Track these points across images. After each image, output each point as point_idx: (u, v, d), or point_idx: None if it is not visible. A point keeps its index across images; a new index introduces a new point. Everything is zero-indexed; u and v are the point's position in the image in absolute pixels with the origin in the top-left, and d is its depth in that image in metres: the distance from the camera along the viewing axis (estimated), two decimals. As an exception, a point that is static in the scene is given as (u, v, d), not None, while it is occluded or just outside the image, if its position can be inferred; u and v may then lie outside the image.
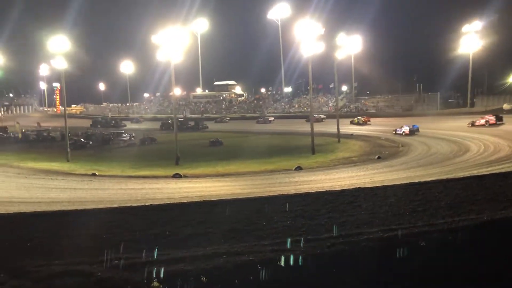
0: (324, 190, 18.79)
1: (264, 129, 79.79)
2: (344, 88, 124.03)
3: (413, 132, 60.82)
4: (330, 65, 74.99)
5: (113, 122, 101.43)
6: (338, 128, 60.81)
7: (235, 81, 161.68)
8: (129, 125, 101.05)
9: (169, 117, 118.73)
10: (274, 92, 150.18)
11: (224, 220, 11.27)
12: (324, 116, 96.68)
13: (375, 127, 71.67)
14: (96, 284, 7.44)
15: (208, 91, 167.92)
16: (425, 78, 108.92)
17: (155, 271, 7.79)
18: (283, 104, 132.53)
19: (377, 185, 16.99)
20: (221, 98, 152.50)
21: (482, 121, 61.29)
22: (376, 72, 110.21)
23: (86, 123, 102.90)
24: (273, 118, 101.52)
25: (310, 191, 18.96)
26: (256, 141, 60.76)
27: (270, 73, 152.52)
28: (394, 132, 64.20)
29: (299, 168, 33.74)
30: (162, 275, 7.59)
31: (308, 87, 64.06)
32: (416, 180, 19.02)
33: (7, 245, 10.03)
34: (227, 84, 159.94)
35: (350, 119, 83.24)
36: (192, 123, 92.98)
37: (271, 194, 20.29)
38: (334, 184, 25.76)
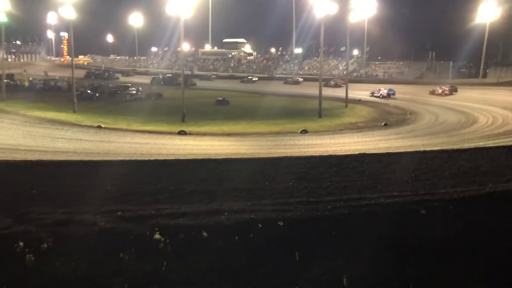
0: (329, 154, 18.85)
1: (271, 90, 79.10)
2: (356, 52, 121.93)
3: (389, 95, 70.34)
4: (342, 28, 73.44)
5: (106, 74, 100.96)
6: (346, 93, 60.31)
7: (245, 40, 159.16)
8: (121, 78, 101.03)
9: (160, 72, 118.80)
10: (284, 52, 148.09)
11: (227, 178, 11.38)
12: (302, 79, 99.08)
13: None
14: (99, 233, 7.63)
15: (217, 48, 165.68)
16: (438, 46, 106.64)
17: (157, 224, 7.96)
18: (292, 65, 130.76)
19: (382, 152, 16.98)
20: (230, 56, 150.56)
21: (440, 91, 73.33)
22: (389, 38, 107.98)
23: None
24: (257, 78, 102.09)
25: (314, 155, 19.03)
26: (263, 102, 60.45)
27: (281, 33, 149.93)
28: (371, 95, 72.02)
29: (304, 131, 33.70)
30: (164, 228, 7.76)
31: (319, 50, 63.00)
32: (421, 149, 19.00)
33: (12, 191, 10.23)
34: (237, 42, 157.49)
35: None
36: (180, 79, 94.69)
37: (275, 155, 20.38)
38: (338, 148, 25.78)
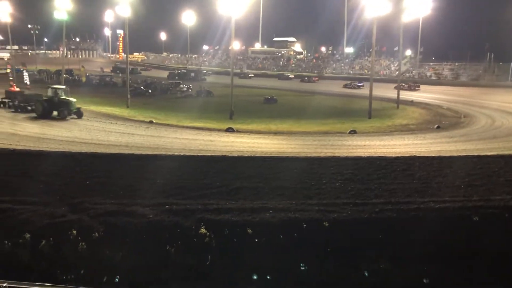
0: (377, 155, 18.45)
1: (320, 90, 78.36)
2: (409, 52, 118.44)
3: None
4: (395, 27, 71.50)
5: (192, 74, 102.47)
6: (398, 94, 58.80)
7: (295, 38, 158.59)
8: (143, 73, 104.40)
9: (176, 67, 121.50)
10: (335, 52, 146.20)
11: (273, 176, 11.37)
12: (318, 79, 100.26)
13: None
14: (147, 225, 7.85)
15: (267, 46, 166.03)
16: (497, 47, 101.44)
17: (203, 218, 8.09)
18: (342, 64, 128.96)
19: (433, 155, 16.43)
20: (279, 54, 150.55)
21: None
22: (444, 38, 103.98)
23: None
24: (293, 76, 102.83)
25: (363, 156, 18.68)
26: (312, 101, 59.99)
27: (332, 32, 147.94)
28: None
29: (353, 132, 33.08)
30: (210, 223, 7.87)
31: (371, 49, 61.69)
32: (475, 154, 18.22)
33: (68, 181, 10.72)
34: (287, 41, 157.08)
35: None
36: (192, 75, 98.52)
37: (322, 155, 20.20)
38: (388, 150, 25.18)
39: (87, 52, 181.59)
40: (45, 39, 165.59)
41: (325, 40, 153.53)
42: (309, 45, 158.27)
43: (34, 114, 34.93)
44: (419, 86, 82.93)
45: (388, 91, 69.09)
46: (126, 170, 12.04)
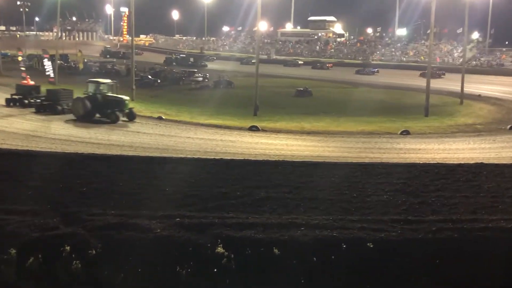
0: (436, 162, 18.18)
1: (366, 81, 77.65)
2: (476, 35, 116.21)
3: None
4: (460, 5, 70.28)
5: (191, 60, 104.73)
6: (462, 86, 57.80)
7: (335, 18, 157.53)
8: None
9: (173, 52, 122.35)
10: (384, 34, 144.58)
11: (306, 185, 11.34)
12: (331, 65, 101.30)
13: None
14: (154, 241, 7.94)
15: (300, 28, 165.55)
16: None
17: (221, 235, 8.12)
18: (393, 50, 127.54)
19: (505, 163, 16.08)
20: (316, 37, 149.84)
21: None
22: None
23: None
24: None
25: (417, 162, 18.43)
26: (354, 94, 59.52)
27: (381, 11, 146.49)
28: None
29: (406, 133, 32.67)
30: (228, 241, 7.89)
31: (429, 31, 60.86)
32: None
33: (61, 187, 10.95)
34: (325, 21, 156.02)
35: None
36: (192, 60, 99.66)
37: (366, 161, 20.01)
38: (449, 156, 24.78)
39: (85, 34, 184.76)
40: (36, 19, 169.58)
41: (372, 20, 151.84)
42: (352, 26, 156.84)
43: (60, 115, 33.51)
44: (444, 73, 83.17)
45: (448, 83, 68.04)
46: (130, 175, 12.20)
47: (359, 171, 13.16)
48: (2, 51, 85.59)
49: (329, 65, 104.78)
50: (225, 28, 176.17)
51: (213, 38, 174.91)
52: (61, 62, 78.69)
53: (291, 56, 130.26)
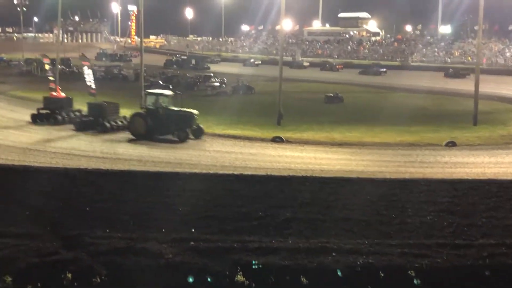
0: (486, 178, 17.92)
1: (406, 85, 77.19)
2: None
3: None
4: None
5: (193, 62, 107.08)
6: (516, 90, 57.16)
7: (369, 14, 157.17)
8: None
9: (174, 53, 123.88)
10: (425, 32, 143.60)
11: (337, 204, 11.29)
12: (341, 66, 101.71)
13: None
14: (166, 268, 7.94)
15: (330, 26, 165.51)
16: None
17: (241, 261, 8.08)
18: (436, 49, 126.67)
19: None
20: (347, 36, 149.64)
21: None
22: None
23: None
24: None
25: (465, 178, 18.19)
26: (391, 100, 59.21)
27: (421, 5, 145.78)
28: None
29: (451, 144, 32.31)
30: (249, 268, 7.85)
31: (477, 28, 60.31)
32: None
33: (62, 207, 11.07)
34: (357, 18, 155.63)
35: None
36: (193, 62, 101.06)
37: (406, 176, 19.80)
38: (501, 171, 24.41)
39: (89, 35, 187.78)
40: (35, 19, 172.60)
41: (411, 16, 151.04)
42: (389, 23, 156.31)
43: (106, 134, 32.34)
44: (469, 74, 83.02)
45: (500, 87, 67.29)
46: (139, 193, 12.27)
47: (398, 188, 13.06)
48: None
49: (339, 66, 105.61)
50: (245, 27, 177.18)
51: (231, 38, 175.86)
52: (63, 67, 79.96)
53: (319, 58, 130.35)
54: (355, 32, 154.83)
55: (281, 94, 42.12)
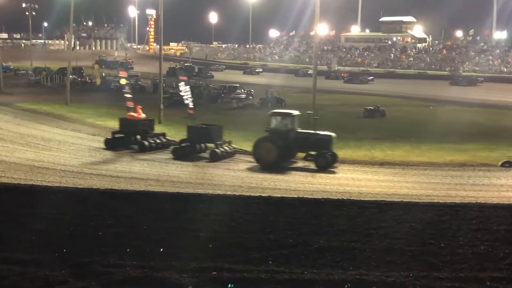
0: (549, 203, 17.64)
1: (455, 97, 76.56)
2: None
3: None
4: None
5: (196, 70, 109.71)
6: None
7: (414, 18, 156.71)
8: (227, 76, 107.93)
9: (181, 60, 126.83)
10: (478, 38, 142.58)
11: (378, 232, 11.20)
12: (347, 74, 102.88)
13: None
14: (185, 302, 7.96)
15: (370, 31, 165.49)
16: None
17: (268, 294, 8.06)
18: (491, 58, 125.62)
19: None
20: (389, 43, 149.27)
21: None
22: None
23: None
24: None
25: (524, 203, 17.92)
26: (440, 115, 58.73)
27: (473, 8, 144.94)
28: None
29: (508, 164, 31.83)
30: (278, 302, 7.83)
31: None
32: None
33: (72, 231, 11.17)
34: (401, 22, 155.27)
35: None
36: (196, 70, 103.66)
37: (457, 200, 19.57)
38: None
39: (103, 42, 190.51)
40: (45, 24, 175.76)
41: (462, 21, 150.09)
42: (437, 28, 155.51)
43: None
44: (482, 80, 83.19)
45: None
46: (156, 217, 12.33)
47: (448, 214, 12.91)
48: (4, 64, 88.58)
49: (345, 74, 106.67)
50: (274, 33, 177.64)
51: (260, 45, 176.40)
52: (74, 76, 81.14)
53: (358, 67, 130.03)
54: (399, 38, 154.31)
55: (315, 107, 42.12)
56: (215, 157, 30.43)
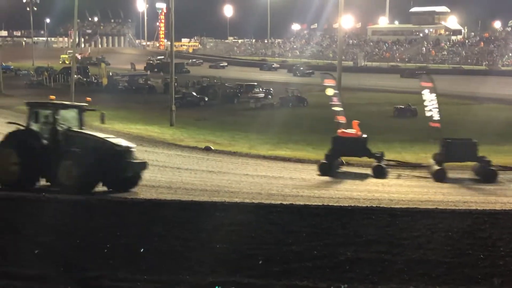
0: None
1: (495, 94, 75.91)
2: None
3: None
4: None
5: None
6: None
7: (448, 8, 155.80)
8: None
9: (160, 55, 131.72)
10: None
11: (411, 242, 11.14)
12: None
13: None
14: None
15: (399, 23, 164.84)
16: None
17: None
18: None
19: None
20: (421, 35, 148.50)
21: None
22: None
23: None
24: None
25: None
26: (477, 113, 58.32)
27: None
28: None
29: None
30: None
31: None
32: None
33: (78, 243, 11.23)
34: (434, 12, 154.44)
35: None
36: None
37: (497, 207, 19.37)
38: None
39: (110, 38, 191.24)
40: (47, 20, 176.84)
41: (500, 10, 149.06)
42: (473, 19, 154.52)
43: None
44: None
45: None
46: (168, 227, 12.34)
47: (487, 222, 12.80)
48: (4, 64, 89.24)
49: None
50: (295, 27, 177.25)
51: (279, 40, 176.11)
52: (79, 76, 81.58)
53: (387, 62, 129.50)
54: (431, 30, 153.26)
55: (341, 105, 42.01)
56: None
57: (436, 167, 28.30)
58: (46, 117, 22.59)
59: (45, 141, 21.67)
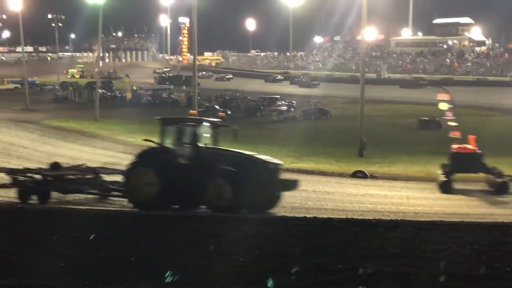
0: None
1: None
2: None
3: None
4: None
5: (184, 78, 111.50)
6: None
7: (472, 19, 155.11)
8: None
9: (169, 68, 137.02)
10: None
11: (437, 256, 11.00)
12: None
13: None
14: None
15: (423, 34, 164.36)
16: None
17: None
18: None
19: None
20: (445, 47, 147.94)
21: None
22: None
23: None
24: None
25: None
26: (504, 125, 57.87)
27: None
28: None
29: None
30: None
31: None
32: None
33: (103, 256, 11.23)
34: (457, 24, 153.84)
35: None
36: (184, 78, 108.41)
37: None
38: None
39: (134, 53, 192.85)
40: (72, 36, 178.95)
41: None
42: (497, 30, 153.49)
43: None
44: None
45: None
46: (191, 240, 12.33)
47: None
48: (30, 79, 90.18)
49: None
50: (317, 39, 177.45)
51: (301, 52, 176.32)
52: (103, 91, 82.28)
53: (410, 73, 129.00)
54: (455, 41, 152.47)
55: (363, 118, 41.81)
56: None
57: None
58: (183, 134, 21.73)
59: (183, 160, 20.71)
